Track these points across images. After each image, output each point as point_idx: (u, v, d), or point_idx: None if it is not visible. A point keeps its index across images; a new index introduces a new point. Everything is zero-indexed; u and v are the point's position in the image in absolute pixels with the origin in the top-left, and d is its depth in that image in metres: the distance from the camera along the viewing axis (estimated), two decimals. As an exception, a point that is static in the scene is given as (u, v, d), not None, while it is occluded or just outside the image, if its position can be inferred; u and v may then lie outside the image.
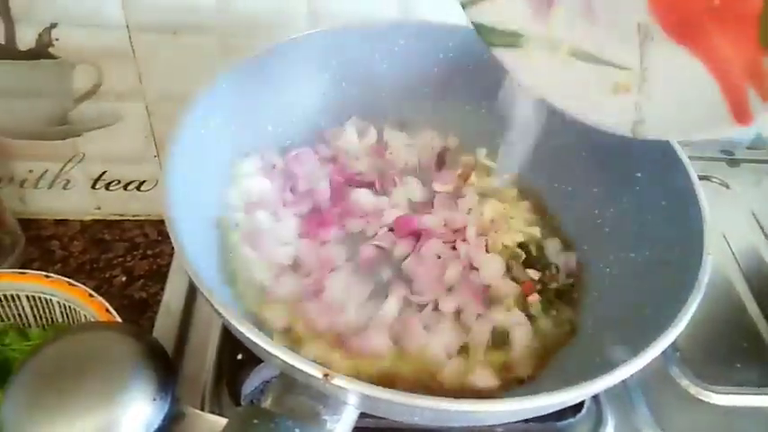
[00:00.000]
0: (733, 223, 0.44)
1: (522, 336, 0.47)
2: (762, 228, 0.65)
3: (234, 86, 0.50)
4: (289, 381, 0.36)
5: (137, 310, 0.67)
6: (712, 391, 0.52)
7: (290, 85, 0.54)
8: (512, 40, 0.38)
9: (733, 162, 0.71)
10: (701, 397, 0.52)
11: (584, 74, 0.36)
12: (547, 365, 0.47)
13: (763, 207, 0.66)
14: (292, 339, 0.45)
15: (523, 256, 0.53)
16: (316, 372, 0.33)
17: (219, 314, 0.35)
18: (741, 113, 0.32)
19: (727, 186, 0.66)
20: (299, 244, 0.51)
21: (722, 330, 0.56)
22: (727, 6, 0.30)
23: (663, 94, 0.34)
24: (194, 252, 0.38)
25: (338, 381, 0.33)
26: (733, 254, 0.62)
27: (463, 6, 0.38)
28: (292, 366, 0.33)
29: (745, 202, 0.67)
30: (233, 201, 0.51)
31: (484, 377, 0.45)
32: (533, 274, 0.51)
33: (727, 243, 0.63)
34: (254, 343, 0.34)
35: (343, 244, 0.52)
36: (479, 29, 0.38)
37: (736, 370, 0.54)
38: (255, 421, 0.34)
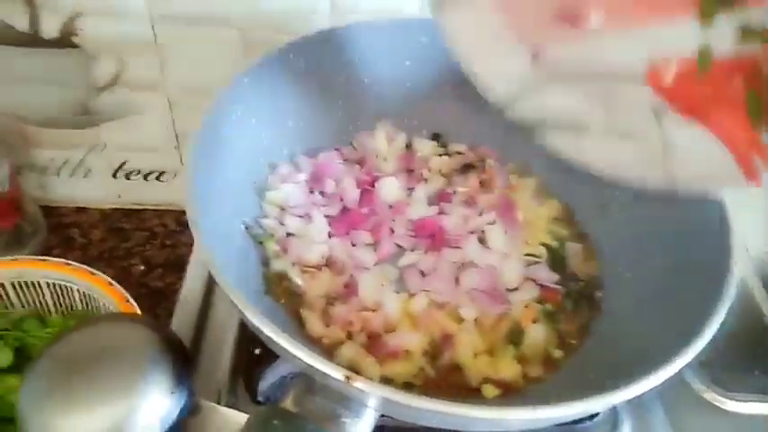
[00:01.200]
0: (754, 231, 0.42)
1: (538, 337, 0.46)
2: (782, 235, 0.63)
3: (257, 81, 0.48)
4: (309, 381, 0.35)
5: (154, 299, 0.66)
6: (729, 398, 0.50)
7: (312, 80, 0.53)
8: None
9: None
10: (717, 403, 0.50)
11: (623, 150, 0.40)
12: (563, 369, 0.45)
13: (783, 214, 0.64)
14: (327, 344, 0.45)
15: (545, 257, 0.51)
16: (337, 374, 0.32)
17: (242, 314, 0.34)
18: (752, 175, 0.36)
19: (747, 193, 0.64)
20: (332, 243, 0.50)
21: (740, 337, 0.54)
22: (718, 93, 0.34)
23: (686, 156, 0.38)
24: (219, 253, 0.37)
25: (359, 383, 0.32)
26: (753, 262, 0.60)
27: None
28: (314, 368, 0.32)
29: (764, 209, 0.65)
30: (265, 207, 0.51)
31: (509, 374, 0.44)
32: (553, 276, 0.50)
33: (747, 251, 0.61)
34: (276, 342, 0.33)
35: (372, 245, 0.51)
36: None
37: (754, 377, 0.53)
38: (276, 422, 0.33)
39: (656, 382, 0.34)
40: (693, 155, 0.37)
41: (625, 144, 0.40)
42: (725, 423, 0.49)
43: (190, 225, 0.36)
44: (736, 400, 0.50)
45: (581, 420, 0.47)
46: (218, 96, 0.45)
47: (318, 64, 0.52)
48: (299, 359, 0.32)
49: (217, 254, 0.36)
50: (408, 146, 0.58)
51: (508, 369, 0.44)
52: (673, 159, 0.38)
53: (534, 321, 0.47)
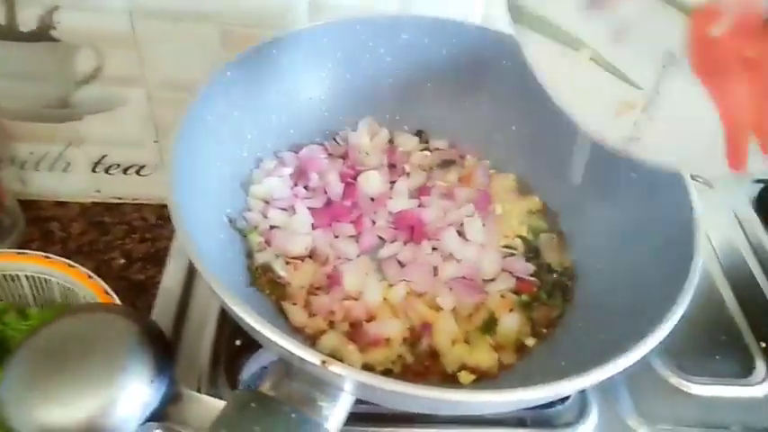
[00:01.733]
0: (716, 222, 0.44)
1: (512, 326, 0.47)
2: (742, 227, 0.65)
3: (239, 76, 0.48)
4: (287, 366, 0.36)
5: (134, 292, 0.66)
6: (692, 382, 0.52)
7: (295, 75, 0.53)
8: (538, 24, 0.35)
9: (716, 162, 0.71)
10: (681, 387, 0.52)
11: (597, 82, 0.35)
12: (535, 356, 0.46)
13: (743, 206, 0.66)
14: (310, 333, 0.45)
15: (521, 249, 0.52)
16: (314, 359, 0.32)
17: (220, 298, 0.34)
18: (737, 160, 0.32)
19: (711, 186, 0.65)
20: (315, 235, 0.50)
21: (702, 324, 0.56)
22: (760, 60, 0.30)
23: (666, 121, 0.34)
24: (201, 244, 0.37)
25: (335, 368, 0.32)
26: (715, 251, 0.62)
27: None
28: (292, 353, 0.32)
29: (728, 202, 0.67)
30: (249, 200, 0.51)
31: (484, 361, 0.45)
32: (529, 267, 0.51)
33: (710, 241, 0.63)
34: (254, 329, 0.33)
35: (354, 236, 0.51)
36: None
37: (716, 362, 0.55)
38: (253, 405, 0.34)
39: (623, 366, 0.35)
40: (676, 122, 0.34)
41: (612, 81, 0.34)
42: (689, 406, 0.51)
43: (171, 215, 0.37)
44: (700, 384, 0.52)
45: (552, 405, 0.48)
46: (202, 88, 0.45)
47: (301, 60, 0.52)
48: (278, 345, 0.33)
49: (199, 244, 0.37)
50: (391, 141, 0.59)
51: (484, 357, 0.45)
52: (654, 115, 0.34)
53: (510, 311, 0.48)
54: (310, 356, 0.32)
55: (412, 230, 0.52)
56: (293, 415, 0.33)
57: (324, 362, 0.32)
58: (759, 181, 0.68)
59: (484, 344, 0.46)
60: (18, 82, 0.63)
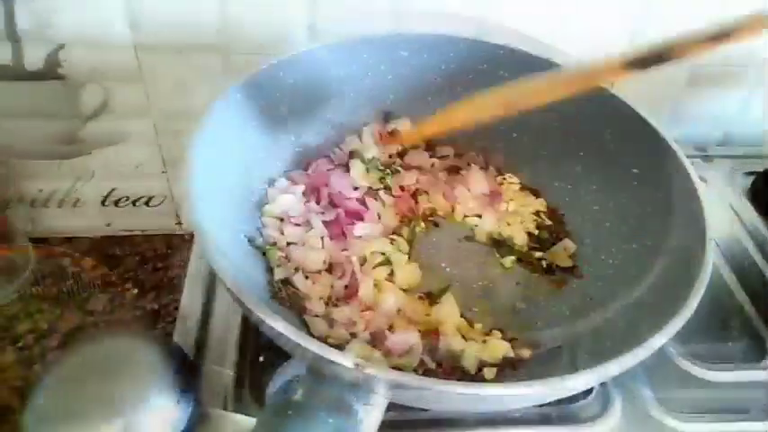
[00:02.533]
0: (713, 215, 0.44)
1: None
2: (740, 218, 0.65)
3: (246, 99, 0.49)
4: (318, 374, 0.35)
5: (150, 320, 0.65)
6: (709, 369, 0.52)
7: (300, 95, 0.53)
8: None
9: (707, 158, 0.72)
10: (698, 375, 0.51)
11: None
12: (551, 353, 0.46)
13: (738, 199, 0.67)
14: (333, 343, 0.45)
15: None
16: (348, 362, 0.32)
17: (251, 312, 0.34)
18: None
19: (705, 181, 0.66)
20: (331, 248, 0.50)
21: (713, 313, 0.56)
22: None
23: None
24: (225, 260, 0.37)
25: (370, 369, 0.32)
26: (716, 243, 0.63)
27: None
28: (325, 359, 0.32)
29: (723, 195, 0.68)
30: (264, 219, 0.51)
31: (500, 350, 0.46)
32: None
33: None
34: (287, 338, 0.33)
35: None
36: None
37: (728, 348, 0.55)
38: (290, 412, 0.33)
39: (643, 355, 0.35)
40: None
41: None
42: (706, 392, 0.51)
43: (196, 235, 0.37)
44: (716, 371, 0.52)
45: (575, 399, 0.48)
46: (211, 112, 0.45)
47: (305, 80, 0.52)
48: (311, 351, 0.32)
49: (224, 263, 0.37)
50: (400, 155, 0.60)
51: (498, 348, 0.46)
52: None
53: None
54: (344, 359, 0.32)
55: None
56: (330, 420, 0.33)
57: (357, 364, 0.32)
58: (750, 173, 0.69)
59: (494, 337, 0.47)
60: (26, 120, 0.63)
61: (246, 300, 0.34)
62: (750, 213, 0.66)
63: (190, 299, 0.52)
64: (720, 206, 0.67)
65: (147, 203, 0.72)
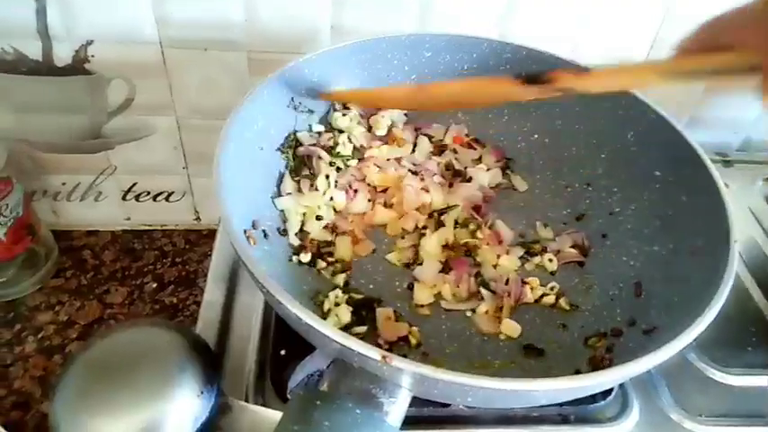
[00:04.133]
0: (733, 211, 0.44)
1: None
2: (760, 223, 0.65)
3: (273, 94, 0.49)
4: (344, 366, 0.36)
5: (168, 314, 0.66)
6: (727, 373, 0.51)
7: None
8: None
9: (727, 163, 0.72)
10: (717, 378, 0.51)
11: None
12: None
13: (759, 204, 0.67)
14: None
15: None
16: (374, 354, 0.32)
17: (280, 304, 0.34)
18: None
19: (726, 186, 0.66)
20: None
21: (732, 317, 0.55)
22: None
23: None
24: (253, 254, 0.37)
25: (396, 362, 0.32)
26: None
27: None
28: (352, 350, 0.32)
29: (743, 200, 0.67)
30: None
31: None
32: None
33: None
34: (315, 329, 0.33)
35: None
36: None
37: (747, 353, 0.54)
38: (318, 402, 0.33)
39: (665, 356, 0.35)
40: None
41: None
42: (725, 396, 0.51)
43: (225, 227, 0.37)
44: (734, 375, 0.51)
45: (595, 400, 0.47)
46: (239, 107, 0.45)
47: (330, 79, 0.53)
48: (338, 342, 0.33)
49: (251, 253, 0.37)
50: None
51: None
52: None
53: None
54: (370, 352, 0.32)
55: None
56: (357, 411, 0.33)
57: (384, 357, 0.32)
58: (771, 179, 0.69)
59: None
60: (52, 115, 0.64)
61: (274, 289, 0.34)
62: (770, 219, 0.65)
63: (212, 292, 0.52)
64: (741, 211, 0.66)
65: (167, 199, 0.73)
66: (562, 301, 0.49)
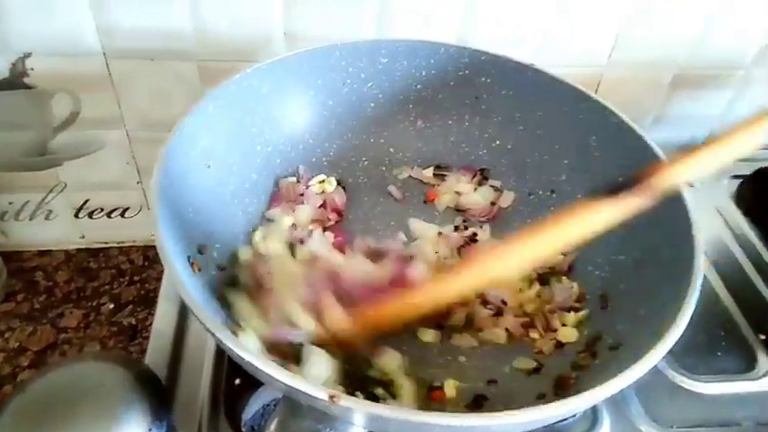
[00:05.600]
0: (700, 220, 0.43)
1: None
2: (726, 222, 0.64)
3: (220, 108, 0.46)
4: (292, 405, 0.33)
5: (126, 336, 0.63)
6: (698, 381, 0.50)
7: (276, 104, 0.51)
8: None
9: (693, 161, 0.70)
10: (688, 387, 0.50)
11: None
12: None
13: (725, 202, 0.66)
14: None
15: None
16: (321, 394, 0.30)
17: (220, 341, 0.31)
18: None
19: (691, 185, 0.65)
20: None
21: (700, 321, 0.54)
22: None
23: None
24: (192, 282, 0.34)
25: (344, 402, 0.30)
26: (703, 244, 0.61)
27: None
28: (297, 390, 0.30)
29: (709, 199, 0.66)
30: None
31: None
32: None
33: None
34: (257, 368, 0.30)
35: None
36: None
37: (717, 358, 0.53)
38: (262, 450, 0.31)
39: (635, 376, 0.33)
40: None
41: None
42: (697, 405, 0.49)
43: (161, 257, 0.34)
44: (705, 382, 0.50)
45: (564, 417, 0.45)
46: (183, 122, 0.42)
47: (282, 89, 0.50)
48: (282, 382, 0.30)
49: (190, 285, 0.34)
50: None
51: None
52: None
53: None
54: (317, 392, 0.30)
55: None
56: (305, 456, 0.30)
57: (332, 397, 0.30)
58: (737, 177, 0.68)
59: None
60: (-7, 132, 0.60)
61: (214, 327, 0.32)
62: (737, 218, 0.64)
63: (163, 317, 0.49)
64: (707, 210, 0.65)
65: (122, 215, 0.69)
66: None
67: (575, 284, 0.48)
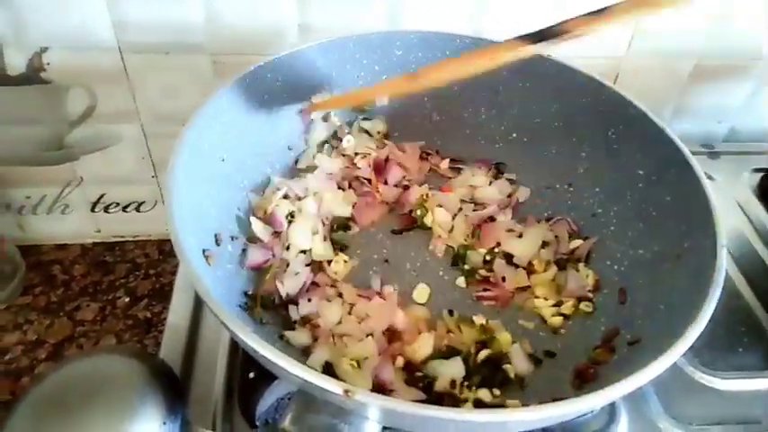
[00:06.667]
0: (720, 213, 0.41)
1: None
2: (747, 216, 0.62)
3: (234, 101, 0.46)
4: (307, 399, 0.33)
5: (142, 329, 0.63)
6: (718, 377, 0.49)
7: (290, 97, 0.50)
8: None
9: (713, 155, 0.69)
10: (707, 383, 0.49)
11: None
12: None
13: (745, 196, 0.64)
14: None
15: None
16: (336, 388, 0.29)
17: (236, 335, 0.31)
18: None
19: (711, 178, 0.63)
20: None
21: (720, 317, 0.53)
22: None
23: None
24: (207, 275, 0.34)
25: (359, 396, 0.29)
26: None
27: None
28: (313, 384, 0.29)
29: (730, 193, 0.64)
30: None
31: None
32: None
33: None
34: (274, 363, 0.30)
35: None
36: None
37: (738, 355, 0.52)
38: (277, 443, 0.30)
39: (654, 373, 0.32)
40: None
41: None
42: (716, 401, 0.48)
43: (176, 250, 0.34)
44: (725, 379, 0.49)
45: (582, 413, 0.45)
46: (197, 115, 0.42)
47: (296, 81, 0.49)
48: (297, 377, 0.30)
49: (205, 278, 0.34)
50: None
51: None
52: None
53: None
54: (332, 386, 0.29)
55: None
56: (319, 450, 0.30)
57: (347, 391, 0.29)
58: (758, 170, 0.66)
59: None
60: (11, 127, 0.60)
61: (230, 322, 0.31)
62: (759, 211, 0.62)
63: (178, 310, 0.49)
64: (727, 204, 0.64)
65: (137, 209, 0.69)
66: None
67: (590, 272, 0.47)
